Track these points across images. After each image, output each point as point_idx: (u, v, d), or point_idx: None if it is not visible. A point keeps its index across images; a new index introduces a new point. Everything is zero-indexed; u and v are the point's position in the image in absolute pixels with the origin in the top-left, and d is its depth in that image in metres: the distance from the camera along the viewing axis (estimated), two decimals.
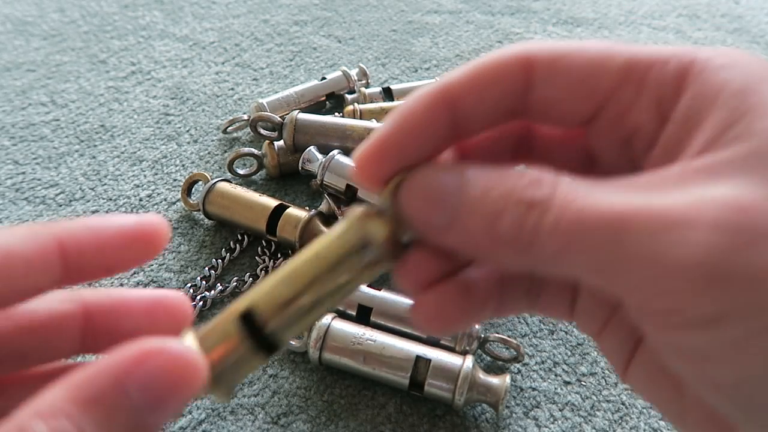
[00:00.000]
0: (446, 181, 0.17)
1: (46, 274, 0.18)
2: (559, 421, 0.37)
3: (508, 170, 0.16)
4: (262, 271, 0.44)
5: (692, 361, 0.14)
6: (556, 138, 0.21)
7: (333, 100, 0.61)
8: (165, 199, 0.51)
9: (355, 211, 0.18)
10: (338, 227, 0.18)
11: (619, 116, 0.18)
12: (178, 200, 0.51)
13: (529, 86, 0.18)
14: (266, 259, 0.45)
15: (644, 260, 0.14)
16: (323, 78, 0.60)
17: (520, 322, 0.42)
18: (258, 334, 0.17)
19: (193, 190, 0.50)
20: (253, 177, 0.53)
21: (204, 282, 0.44)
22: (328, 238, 0.18)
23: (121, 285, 0.44)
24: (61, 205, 0.50)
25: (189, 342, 0.18)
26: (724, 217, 0.13)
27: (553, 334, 0.42)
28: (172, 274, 0.45)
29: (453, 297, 0.19)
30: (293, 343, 0.39)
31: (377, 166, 0.18)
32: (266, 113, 0.52)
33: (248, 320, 0.18)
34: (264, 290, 0.18)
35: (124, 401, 0.14)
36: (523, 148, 0.21)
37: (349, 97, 0.60)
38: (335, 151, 0.46)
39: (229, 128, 0.57)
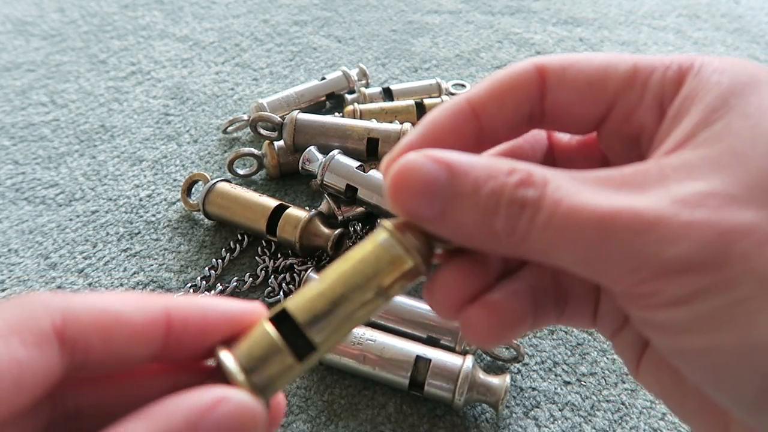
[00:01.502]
0: (434, 174, 0.17)
1: (147, 347, 0.18)
2: (559, 421, 0.37)
3: (495, 164, 0.17)
4: (262, 272, 0.44)
5: (667, 333, 0.16)
6: (574, 149, 0.23)
7: (333, 100, 0.61)
8: (165, 199, 0.51)
9: (388, 222, 0.18)
10: (373, 238, 0.18)
11: (626, 117, 0.20)
12: (178, 200, 0.51)
13: (543, 92, 0.20)
14: (266, 259, 0.45)
15: (627, 255, 0.15)
16: (323, 78, 0.60)
17: None
18: (295, 344, 0.18)
19: (193, 190, 0.50)
20: (253, 177, 0.53)
21: (204, 282, 0.44)
22: (364, 250, 0.18)
23: (121, 285, 0.44)
24: (61, 205, 0.50)
25: (226, 359, 0.18)
26: (696, 219, 0.15)
27: (553, 334, 0.42)
28: (172, 274, 0.45)
29: (497, 313, 0.19)
30: None
31: None
32: (266, 113, 0.52)
33: (288, 331, 0.18)
34: (300, 302, 0.18)
35: None
36: (548, 161, 0.23)
37: (349, 97, 0.60)
38: (335, 151, 0.46)
39: (229, 128, 0.57)
